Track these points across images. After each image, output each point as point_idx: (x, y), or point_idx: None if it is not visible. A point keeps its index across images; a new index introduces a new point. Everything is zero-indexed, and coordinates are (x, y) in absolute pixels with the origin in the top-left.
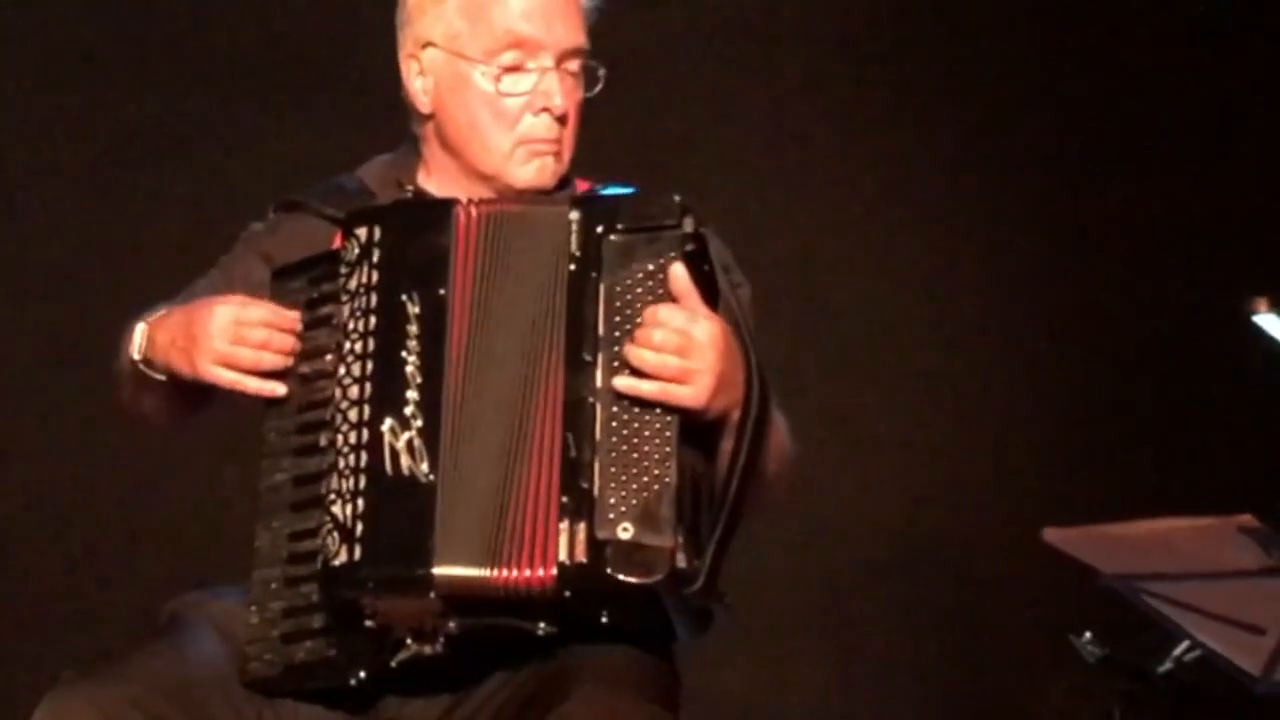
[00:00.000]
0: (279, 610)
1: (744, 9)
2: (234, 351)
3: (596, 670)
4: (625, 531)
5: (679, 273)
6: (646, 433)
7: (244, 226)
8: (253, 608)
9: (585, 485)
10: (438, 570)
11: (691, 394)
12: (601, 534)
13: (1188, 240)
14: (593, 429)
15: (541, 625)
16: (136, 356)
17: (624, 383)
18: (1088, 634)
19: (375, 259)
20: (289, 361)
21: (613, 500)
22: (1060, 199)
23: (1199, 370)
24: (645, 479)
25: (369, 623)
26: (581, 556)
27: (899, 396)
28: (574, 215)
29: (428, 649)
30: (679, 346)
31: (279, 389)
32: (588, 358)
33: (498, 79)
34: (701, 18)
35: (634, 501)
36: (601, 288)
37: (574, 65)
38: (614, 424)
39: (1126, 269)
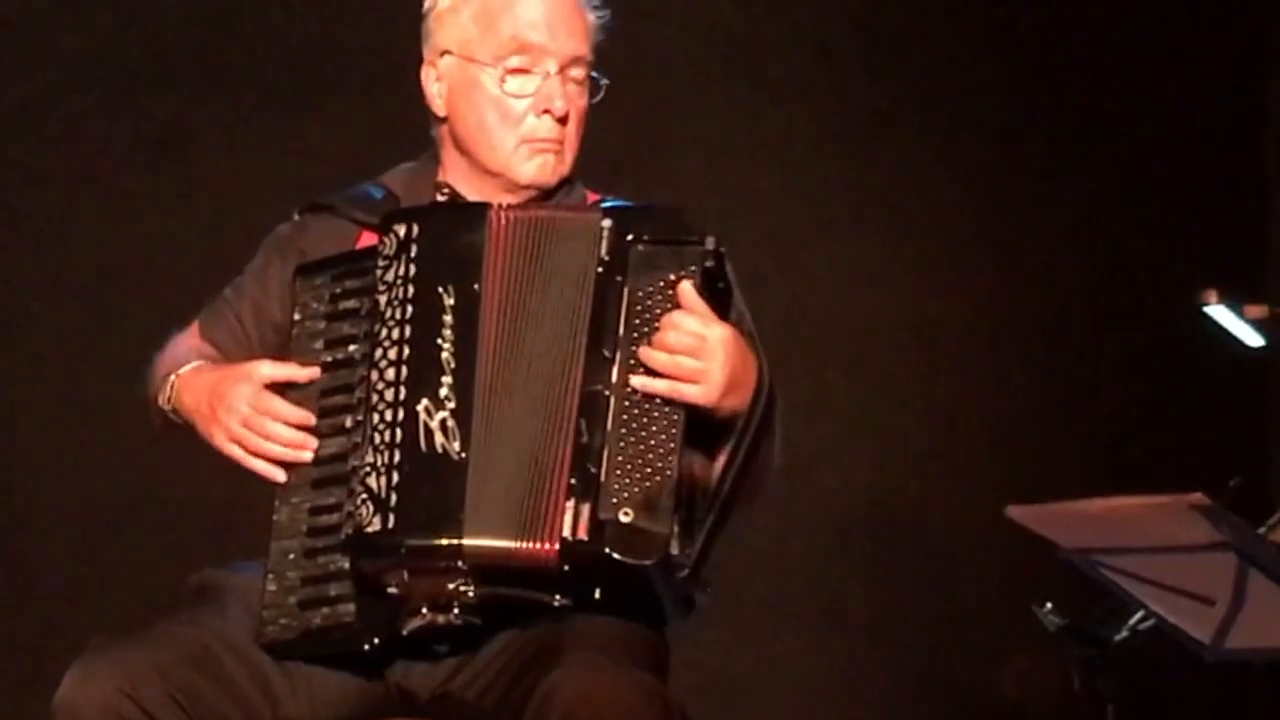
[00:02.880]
0: (297, 579)
1: (725, 17)
2: (244, 435)
3: (587, 638)
4: (626, 515)
5: (686, 289)
6: (654, 427)
7: (265, 227)
8: (270, 575)
9: (593, 470)
10: (467, 540)
11: (701, 392)
12: (604, 515)
13: (1145, 237)
14: (605, 419)
15: (556, 597)
16: (166, 407)
17: (639, 380)
18: (1048, 604)
19: (413, 253)
20: (298, 456)
21: (617, 486)
22: (1026, 197)
23: (1154, 358)
24: (649, 469)
25: (392, 589)
26: (583, 534)
27: (873, 384)
28: (606, 223)
29: (441, 618)
30: (691, 347)
31: (279, 475)
32: (607, 354)
33: (503, 81)
34: (683, 26)
35: (637, 489)
36: (625, 291)
37: (577, 73)
38: (625, 416)
39: (1087, 263)
